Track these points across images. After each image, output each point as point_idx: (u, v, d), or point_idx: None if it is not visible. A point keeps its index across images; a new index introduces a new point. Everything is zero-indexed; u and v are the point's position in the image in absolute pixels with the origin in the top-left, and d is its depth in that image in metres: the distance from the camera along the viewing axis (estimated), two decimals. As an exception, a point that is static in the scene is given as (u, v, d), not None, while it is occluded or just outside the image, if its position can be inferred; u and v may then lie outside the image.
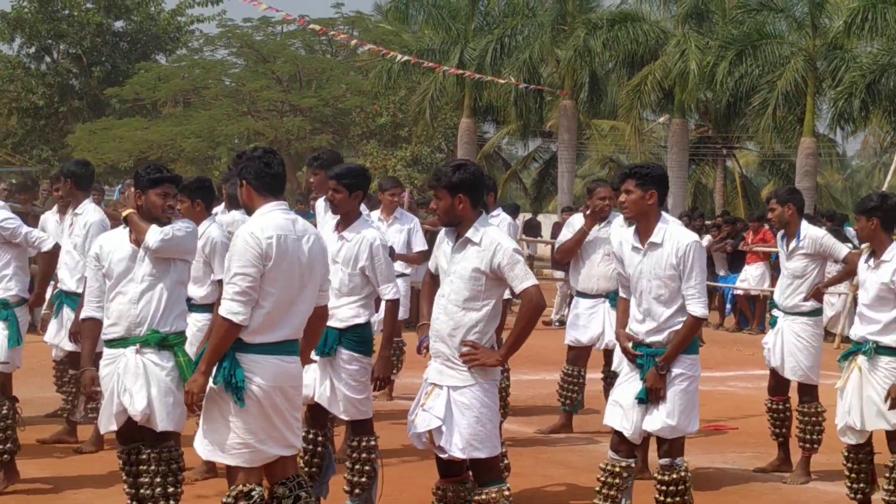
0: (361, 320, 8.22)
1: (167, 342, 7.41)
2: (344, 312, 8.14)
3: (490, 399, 6.84)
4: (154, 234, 7.38)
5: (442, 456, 6.90)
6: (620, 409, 7.66)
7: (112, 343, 7.49)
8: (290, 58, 47.15)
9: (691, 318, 7.53)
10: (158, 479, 7.38)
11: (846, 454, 8.64)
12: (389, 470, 9.39)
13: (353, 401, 8.17)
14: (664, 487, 7.52)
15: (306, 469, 8.30)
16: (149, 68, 48.32)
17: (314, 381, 8.12)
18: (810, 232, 10.19)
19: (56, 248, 9.59)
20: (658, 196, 7.64)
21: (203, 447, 6.57)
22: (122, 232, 7.63)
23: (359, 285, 8.24)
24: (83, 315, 7.77)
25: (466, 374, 6.79)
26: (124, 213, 7.66)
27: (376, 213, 12.82)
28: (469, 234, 6.86)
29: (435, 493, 7.07)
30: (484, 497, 6.79)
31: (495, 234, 6.87)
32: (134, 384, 7.37)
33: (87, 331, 7.74)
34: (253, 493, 6.41)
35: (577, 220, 11.85)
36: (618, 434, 7.66)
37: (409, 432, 7.00)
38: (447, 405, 6.79)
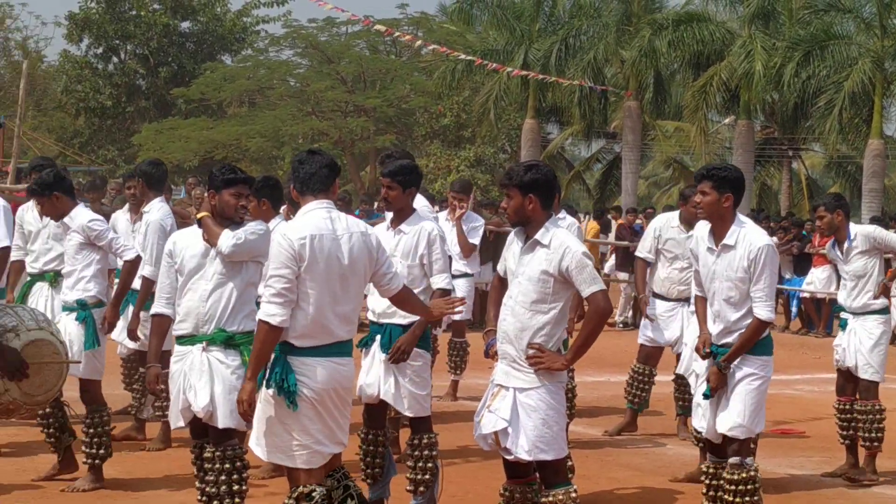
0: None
1: (233, 341, 7.45)
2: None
3: (556, 401, 6.80)
4: (226, 239, 7.42)
5: (508, 458, 6.88)
6: (700, 410, 7.76)
7: (181, 340, 7.58)
8: (355, 58, 47.31)
9: (756, 321, 7.52)
10: (223, 478, 7.42)
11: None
12: (454, 470, 9.41)
13: (417, 396, 8.22)
14: (734, 487, 7.49)
15: (368, 470, 8.33)
16: (214, 69, 48.68)
17: (378, 378, 8.16)
18: (860, 230, 10.23)
19: (138, 259, 9.62)
20: (734, 199, 7.61)
21: (262, 449, 6.59)
22: (196, 229, 7.70)
23: (418, 277, 8.28)
24: (153, 311, 7.82)
25: (533, 377, 6.75)
26: (199, 216, 7.72)
27: (444, 214, 12.85)
28: (538, 235, 6.83)
29: (502, 495, 7.04)
30: (551, 499, 6.76)
31: (564, 237, 6.83)
32: (199, 381, 7.44)
33: (155, 327, 7.79)
34: (314, 494, 6.44)
35: (663, 225, 11.59)
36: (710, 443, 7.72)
37: (475, 433, 6.98)
38: (513, 407, 6.76)
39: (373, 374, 8.16)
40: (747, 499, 7.46)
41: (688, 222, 10.82)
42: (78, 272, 9.41)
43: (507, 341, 6.86)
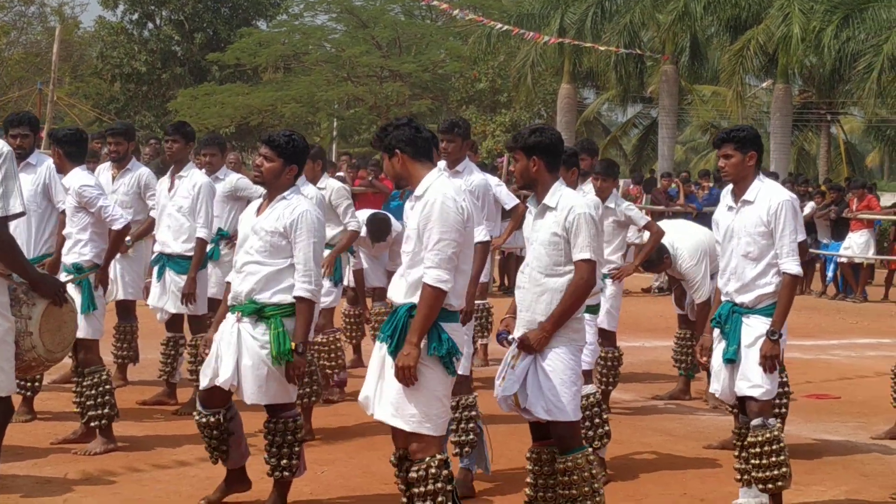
0: None
1: (263, 313, 7.37)
2: None
3: (574, 363, 6.80)
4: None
5: (527, 418, 6.90)
6: (718, 372, 7.73)
7: (230, 308, 7.59)
8: (390, 23, 47.13)
9: (787, 277, 7.49)
10: (274, 450, 7.43)
11: None
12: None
13: (465, 357, 8.15)
14: (758, 449, 7.45)
15: (463, 437, 8.25)
16: (249, 34, 48.59)
17: None
18: None
19: (126, 228, 9.63)
20: (757, 156, 7.64)
21: (407, 420, 6.39)
22: (258, 202, 7.69)
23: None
24: (228, 277, 7.80)
25: (552, 340, 6.76)
26: None
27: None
28: (546, 199, 6.85)
29: (529, 458, 7.04)
30: (570, 464, 6.74)
31: (572, 198, 6.83)
32: (227, 351, 7.44)
33: (225, 293, 7.78)
34: (449, 462, 6.46)
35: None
36: (739, 400, 7.66)
37: (496, 395, 6.98)
38: (532, 369, 6.78)
39: None
40: (773, 459, 7.41)
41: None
42: (74, 235, 9.45)
43: (525, 307, 6.87)
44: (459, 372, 8.12)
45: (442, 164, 9.11)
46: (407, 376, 6.26)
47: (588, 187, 10.40)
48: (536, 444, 7.02)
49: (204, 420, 7.63)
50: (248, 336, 7.35)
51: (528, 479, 7.02)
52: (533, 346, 6.72)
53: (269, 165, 7.43)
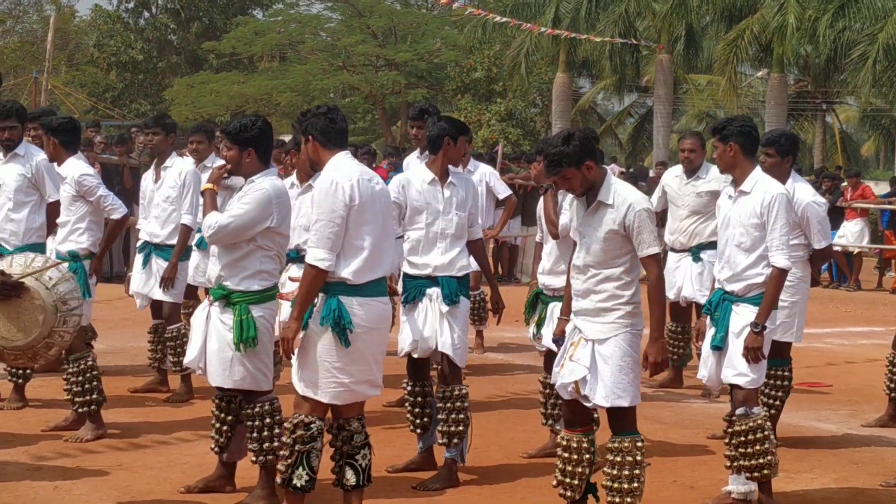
0: (469, 267, 8.39)
1: (230, 299, 7.36)
2: (461, 260, 8.29)
3: (633, 349, 6.85)
4: (207, 223, 7.44)
5: (586, 405, 6.93)
6: (705, 359, 7.77)
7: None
8: (385, 12, 47.06)
9: (775, 270, 7.51)
10: (255, 435, 7.40)
11: None
12: (479, 423, 9.38)
13: (463, 346, 8.26)
14: (742, 438, 7.47)
15: (417, 420, 8.43)
16: (245, 23, 48.54)
17: (434, 332, 8.13)
18: None
19: (125, 218, 9.74)
20: (740, 146, 7.68)
21: (300, 385, 6.84)
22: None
23: (465, 227, 8.40)
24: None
25: (609, 326, 6.79)
26: (203, 188, 7.78)
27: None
28: (601, 196, 6.79)
29: (559, 444, 7.12)
30: (617, 445, 6.83)
31: (626, 193, 6.80)
32: (196, 333, 7.57)
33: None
34: (312, 426, 6.77)
35: (668, 176, 11.78)
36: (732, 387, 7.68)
37: (556, 382, 7.04)
38: (592, 356, 6.81)
39: (429, 327, 8.14)
40: (758, 447, 7.43)
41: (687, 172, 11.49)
42: (71, 224, 9.54)
43: (581, 296, 6.90)
44: (458, 364, 8.17)
45: (415, 153, 9.12)
46: (285, 348, 6.72)
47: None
48: (567, 431, 7.08)
49: (216, 402, 7.69)
50: (216, 319, 7.42)
51: (558, 465, 7.10)
52: (660, 362, 6.80)
53: (228, 154, 7.63)
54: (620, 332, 6.79)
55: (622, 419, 6.86)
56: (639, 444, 6.86)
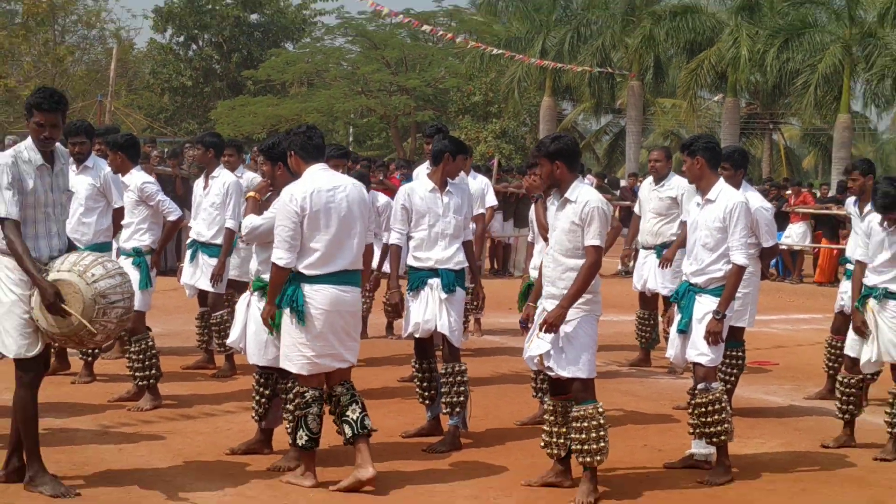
0: (465, 262, 8.41)
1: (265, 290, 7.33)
2: (459, 256, 8.30)
3: (591, 330, 6.94)
4: (245, 224, 7.48)
5: (550, 374, 7.00)
6: (672, 340, 7.77)
7: None
8: (398, 45, 46.91)
9: (735, 267, 7.50)
10: (288, 406, 7.34)
11: (843, 381, 8.76)
12: (478, 396, 9.39)
13: (459, 329, 8.28)
14: (703, 409, 7.47)
15: (425, 393, 8.41)
16: (278, 54, 48.42)
17: (434, 315, 8.14)
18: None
19: (180, 220, 9.75)
20: (706, 160, 7.65)
21: (280, 358, 7.07)
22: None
23: (462, 228, 8.41)
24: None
25: (573, 310, 6.84)
26: (247, 195, 7.74)
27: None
28: (568, 193, 6.95)
29: (546, 409, 7.19)
30: (581, 413, 6.88)
31: (588, 193, 6.93)
32: (239, 318, 7.62)
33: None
34: (306, 395, 6.92)
35: (643, 185, 11.81)
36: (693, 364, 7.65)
37: (524, 355, 7.17)
38: (556, 334, 6.86)
39: (429, 311, 8.16)
40: (716, 417, 7.42)
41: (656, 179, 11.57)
42: (135, 224, 9.55)
43: (550, 283, 6.99)
44: (455, 344, 8.18)
45: (425, 164, 9.09)
46: (264, 324, 7.04)
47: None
48: (553, 398, 7.16)
49: (256, 377, 7.71)
50: (255, 307, 7.47)
51: (545, 427, 7.17)
52: (553, 323, 6.80)
53: (264, 168, 7.64)
54: (581, 315, 6.87)
55: (584, 389, 6.92)
56: (600, 409, 6.92)
